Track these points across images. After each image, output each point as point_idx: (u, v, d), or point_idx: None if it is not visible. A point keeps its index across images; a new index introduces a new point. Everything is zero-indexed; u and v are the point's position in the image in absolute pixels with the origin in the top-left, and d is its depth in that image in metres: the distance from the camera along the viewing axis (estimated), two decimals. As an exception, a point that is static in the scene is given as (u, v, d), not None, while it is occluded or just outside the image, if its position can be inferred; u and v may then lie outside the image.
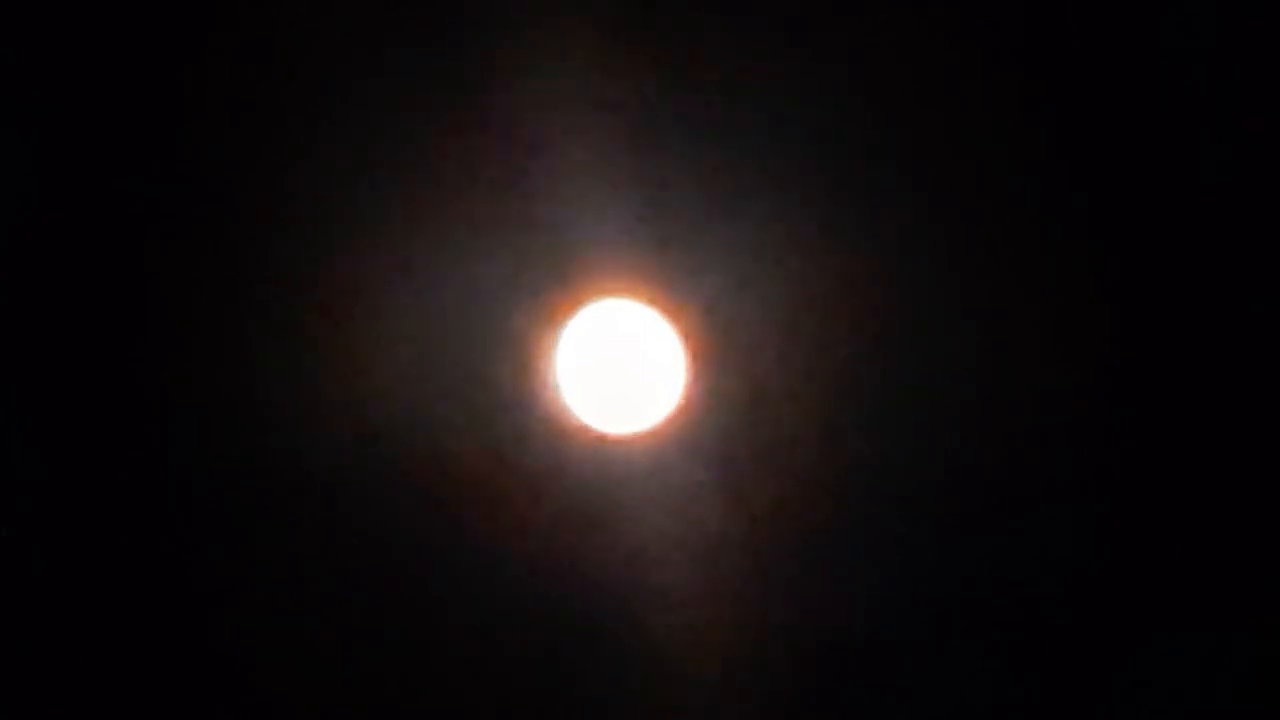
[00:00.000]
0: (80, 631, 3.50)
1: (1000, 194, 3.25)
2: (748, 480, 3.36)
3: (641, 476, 3.34)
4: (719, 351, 3.27)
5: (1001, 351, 3.31)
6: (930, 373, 3.31)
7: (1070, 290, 3.29)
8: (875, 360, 3.30)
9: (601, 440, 3.32)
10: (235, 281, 3.31)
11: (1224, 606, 3.44)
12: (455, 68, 3.16)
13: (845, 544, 3.41)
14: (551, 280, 3.24)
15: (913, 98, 3.18)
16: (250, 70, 3.18)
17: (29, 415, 3.38)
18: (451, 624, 3.48)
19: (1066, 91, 3.20)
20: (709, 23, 3.15)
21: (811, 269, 3.24)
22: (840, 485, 3.37)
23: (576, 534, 3.39)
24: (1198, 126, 3.20)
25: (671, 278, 3.24)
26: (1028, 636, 3.49)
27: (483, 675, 3.52)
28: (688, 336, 3.26)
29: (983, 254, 3.27)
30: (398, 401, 3.31)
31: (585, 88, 3.15)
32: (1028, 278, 3.27)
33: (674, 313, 3.25)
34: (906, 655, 3.49)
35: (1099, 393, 3.35)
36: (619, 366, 3.27)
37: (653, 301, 3.25)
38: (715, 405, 3.30)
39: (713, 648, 3.47)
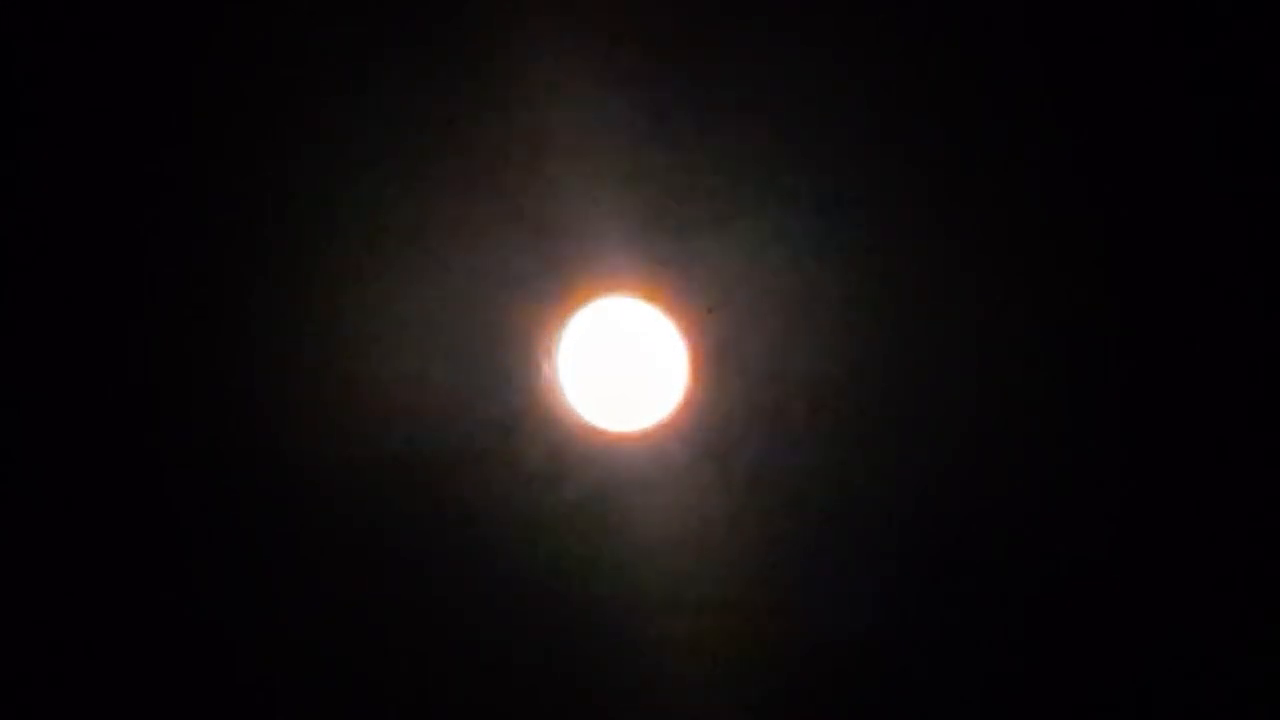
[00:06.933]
0: (77, 631, 3.49)
1: (1005, 197, 3.25)
2: (748, 477, 3.36)
3: (642, 473, 3.34)
4: (720, 349, 3.28)
5: (1005, 354, 3.31)
6: (932, 372, 3.32)
7: (1076, 296, 3.29)
8: (876, 358, 3.30)
9: (603, 437, 3.32)
10: (234, 281, 3.31)
11: (1225, 612, 3.45)
12: (458, 67, 3.16)
13: (846, 542, 3.42)
14: (553, 278, 3.24)
15: (918, 100, 3.19)
16: (253, 66, 3.18)
17: (27, 413, 3.37)
18: (452, 622, 3.48)
19: (1071, 93, 3.20)
20: (712, 23, 3.15)
21: (813, 268, 3.25)
22: (842, 483, 3.38)
23: (577, 530, 3.39)
24: (1206, 126, 3.21)
25: (673, 276, 3.24)
26: (1028, 637, 3.49)
27: (483, 673, 3.52)
28: (689, 335, 3.26)
29: (986, 256, 3.28)
30: (399, 400, 3.31)
31: (588, 87, 3.15)
32: (1033, 278, 3.27)
33: (675, 311, 3.25)
34: (908, 654, 3.50)
35: (1102, 398, 3.36)
36: (620, 364, 3.27)
37: (654, 300, 3.25)
38: (716, 403, 3.30)
39: (714, 645, 3.47)
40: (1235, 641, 3.45)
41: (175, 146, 3.24)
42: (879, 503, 3.39)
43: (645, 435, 3.32)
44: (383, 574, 3.45)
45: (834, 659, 3.50)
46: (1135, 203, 3.25)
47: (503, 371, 3.30)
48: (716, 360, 3.29)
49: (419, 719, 3.55)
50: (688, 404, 3.30)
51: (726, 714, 3.52)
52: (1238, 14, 3.14)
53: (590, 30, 3.12)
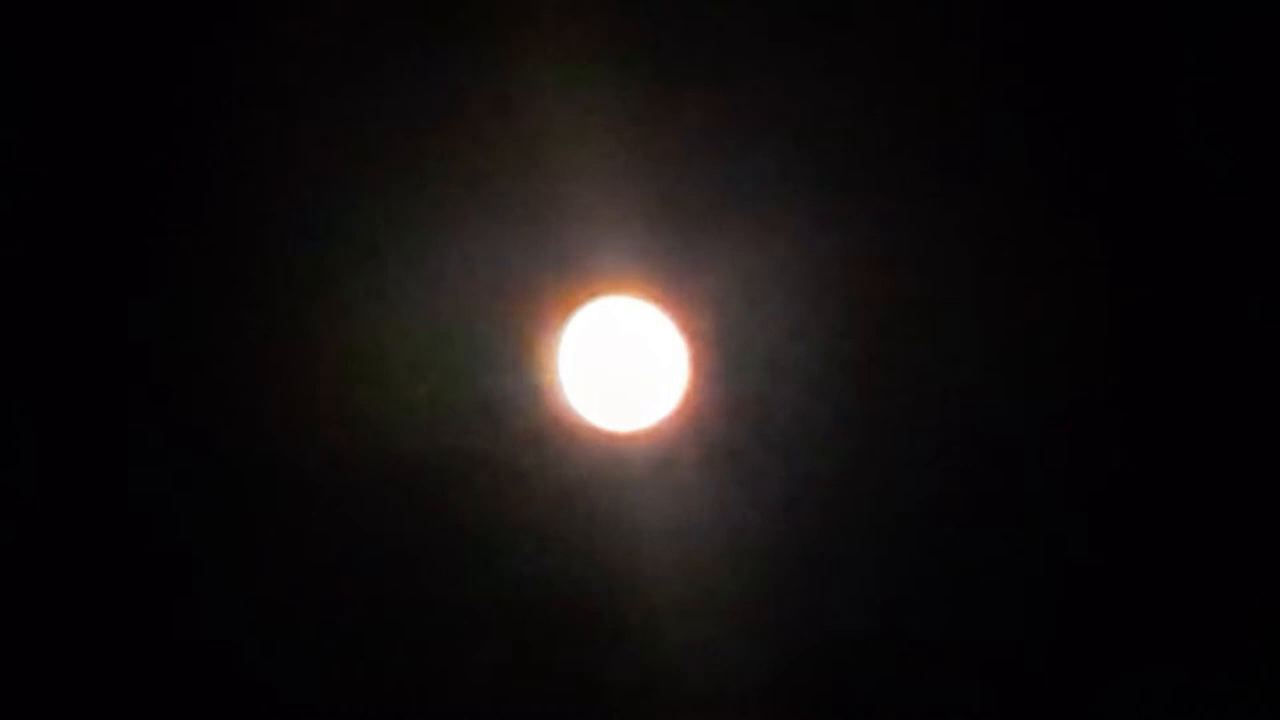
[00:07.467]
0: (77, 630, 3.49)
1: (1006, 198, 3.25)
2: (749, 477, 3.36)
3: (644, 473, 3.34)
4: (721, 348, 3.28)
5: (1006, 351, 3.31)
6: (933, 371, 3.32)
7: (1077, 295, 3.29)
8: (877, 358, 3.31)
9: (604, 437, 3.32)
10: (234, 281, 3.31)
11: (1225, 612, 3.45)
12: (457, 66, 3.17)
13: (846, 541, 3.41)
14: (554, 278, 3.24)
15: (918, 98, 3.19)
16: (251, 68, 3.18)
17: (28, 412, 3.37)
18: (452, 622, 3.48)
19: (1071, 93, 3.20)
20: (711, 21, 3.15)
21: (814, 266, 3.25)
22: (843, 482, 3.38)
23: (579, 530, 3.39)
24: (1206, 126, 3.21)
25: (674, 275, 3.24)
26: (1028, 637, 3.49)
27: (483, 673, 3.52)
28: (690, 334, 3.26)
29: (987, 255, 3.28)
30: (400, 399, 3.31)
31: (589, 86, 3.15)
32: (1035, 277, 3.28)
33: (676, 310, 3.25)
34: (909, 654, 3.49)
35: (1105, 397, 3.36)
36: (622, 364, 3.27)
37: (655, 299, 3.25)
38: (717, 402, 3.30)
39: (713, 645, 3.47)
40: (1235, 641, 3.45)
41: (175, 146, 3.24)
42: (879, 502, 3.39)
43: (645, 435, 3.32)
44: (383, 574, 3.45)
45: (834, 658, 3.50)
46: (1135, 203, 3.25)
47: (503, 371, 3.30)
48: (716, 360, 3.29)
49: (417, 718, 3.55)
50: (688, 404, 3.30)
51: (726, 713, 3.51)
52: (1238, 14, 3.14)
53: (591, 29, 3.12)
